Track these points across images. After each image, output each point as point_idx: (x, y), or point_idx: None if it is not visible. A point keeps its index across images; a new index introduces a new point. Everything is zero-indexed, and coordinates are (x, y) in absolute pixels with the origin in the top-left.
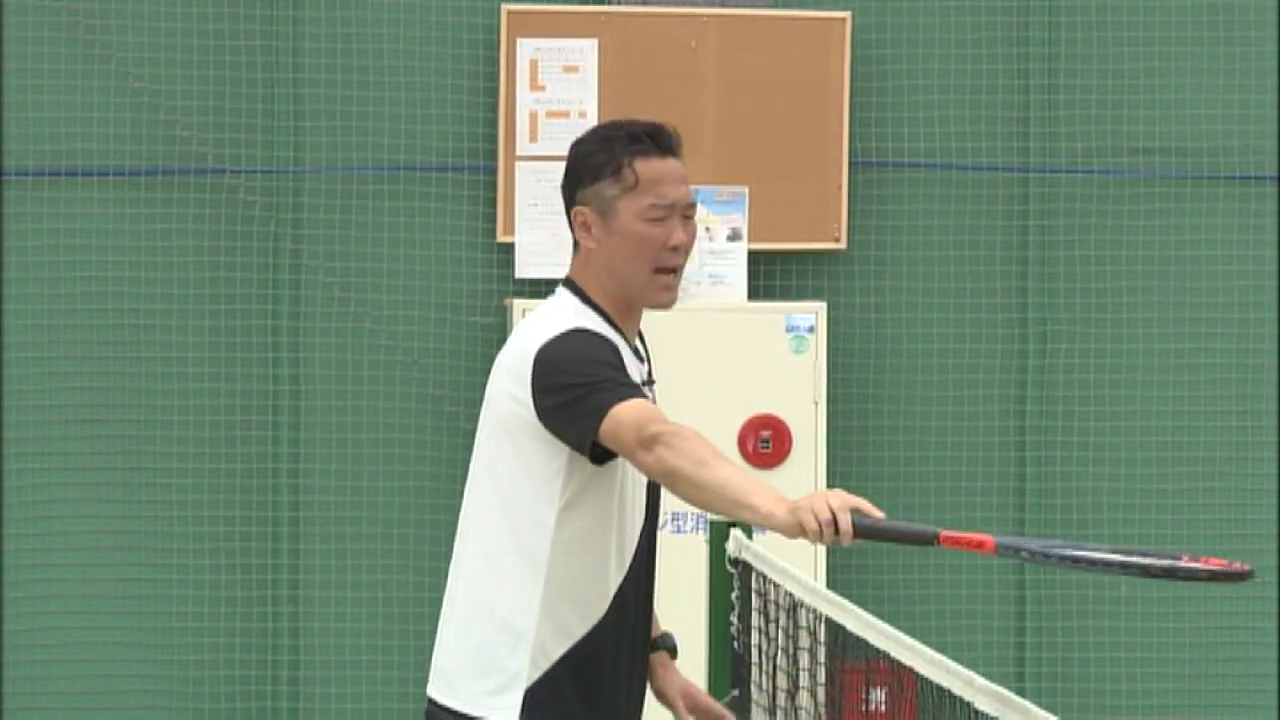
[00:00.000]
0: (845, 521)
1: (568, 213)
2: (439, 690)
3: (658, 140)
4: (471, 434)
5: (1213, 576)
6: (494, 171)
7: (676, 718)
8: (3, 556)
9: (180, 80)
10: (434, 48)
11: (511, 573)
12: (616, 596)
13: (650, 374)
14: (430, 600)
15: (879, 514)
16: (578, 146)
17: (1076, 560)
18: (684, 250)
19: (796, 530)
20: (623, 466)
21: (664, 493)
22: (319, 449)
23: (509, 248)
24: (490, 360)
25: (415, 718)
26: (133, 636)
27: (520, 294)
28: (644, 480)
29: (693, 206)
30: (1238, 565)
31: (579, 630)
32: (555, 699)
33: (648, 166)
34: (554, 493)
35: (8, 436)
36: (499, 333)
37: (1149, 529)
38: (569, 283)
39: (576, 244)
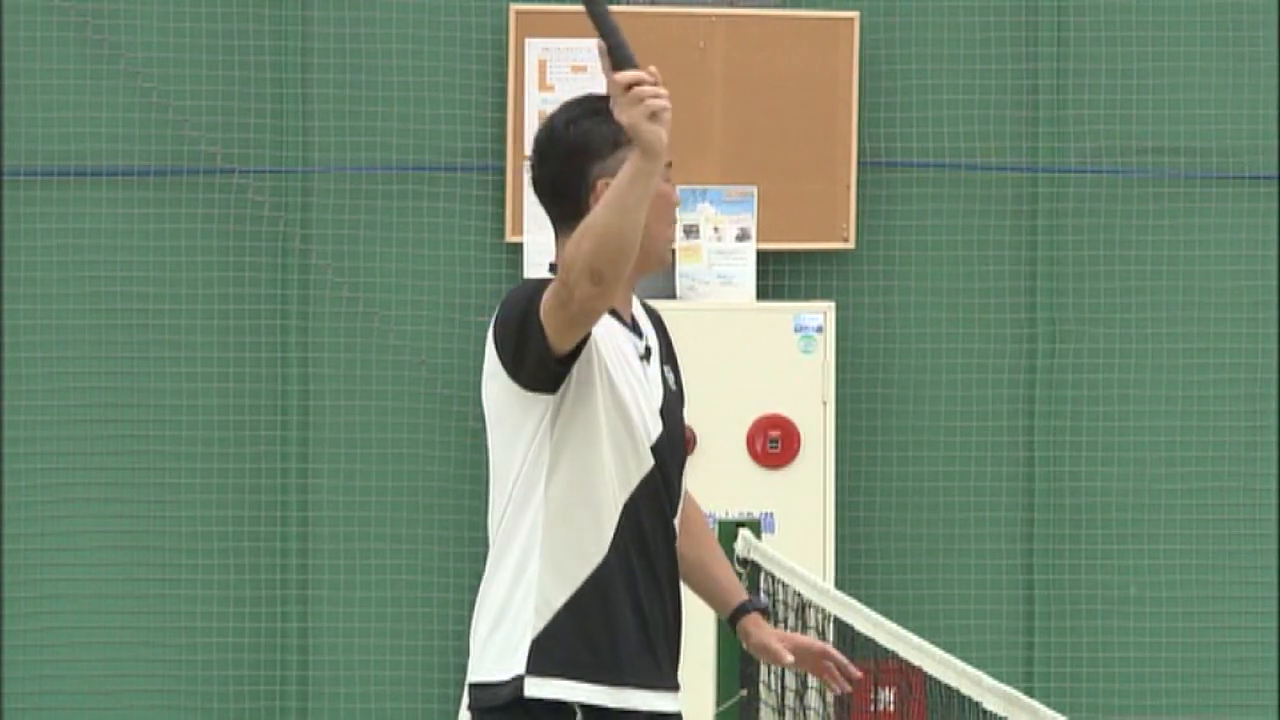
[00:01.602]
0: (612, 69)
1: (576, 192)
2: (470, 671)
3: None
4: (480, 433)
5: None
6: (503, 171)
7: (778, 660)
8: (11, 557)
9: (189, 80)
10: (442, 48)
11: (518, 548)
12: (616, 540)
13: (650, 348)
14: (439, 600)
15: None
16: (575, 125)
17: None
18: None
19: (656, 146)
20: (605, 414)
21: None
22: (327, 449)
23: (518, 248)
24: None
25: (424, 718)
26: (141, 637)
27: None
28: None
29: (669, 165)
30: None
31: (580, 575)
32: (559, 645)
33: None
34: (541, 457)
35: (16, 436)
36: None
37: (1158, 528)
38: (553, 267)
39: (561, 227)
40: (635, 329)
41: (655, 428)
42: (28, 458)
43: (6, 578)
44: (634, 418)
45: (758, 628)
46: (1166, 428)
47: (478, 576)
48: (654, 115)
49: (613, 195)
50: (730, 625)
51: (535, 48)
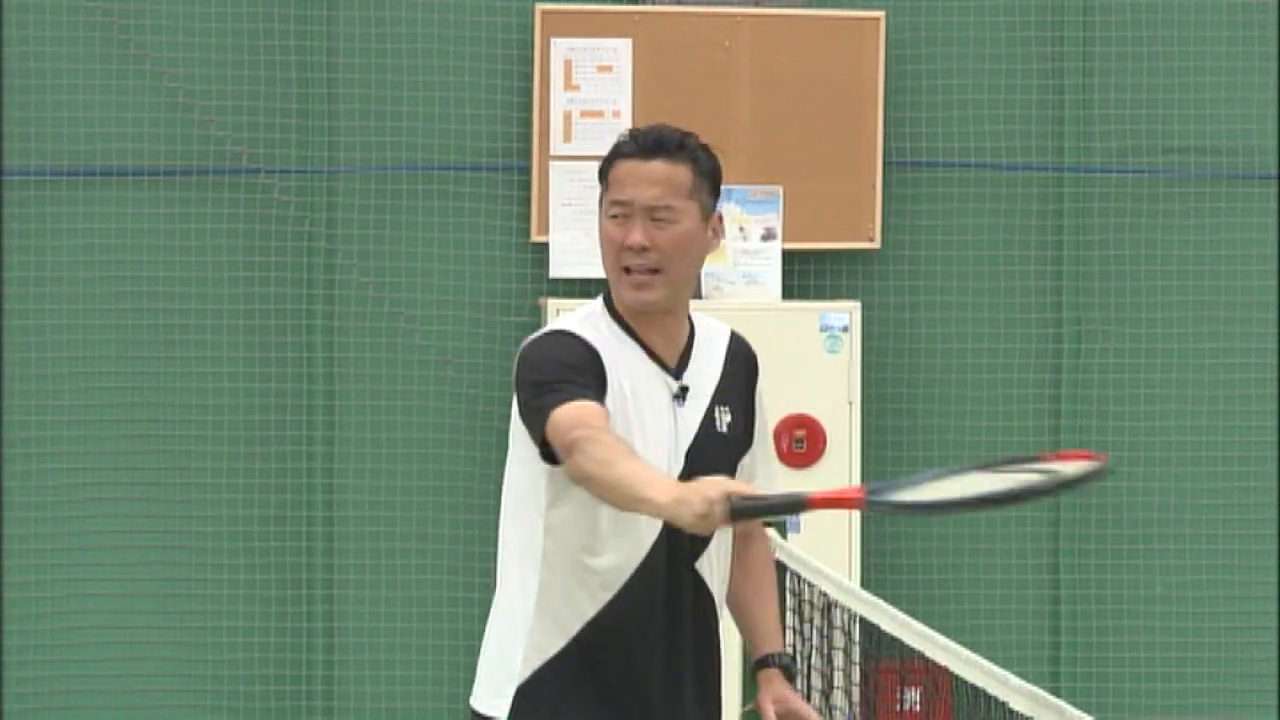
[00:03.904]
0: (720, 507)
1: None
2: (474, 688)
3: (639, 141)
4: (504, 434)
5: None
6: (528, 171)
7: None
8: (38, 556)
9: (215, 80)
10: (468, 47)
11: (517, 573)
12: (617, 599)
13: (686, 388)
14: (464, 600)
15: (755, 493)
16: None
17: (936, 507)
18: (646, 250)
19: (680, 517)
20: None
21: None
22: (353, 449)
23: (543, 247)
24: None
25: (449, 717)
26: (167, 636)
27: (554, 294)
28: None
29: (666, 209)
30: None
31: (571, 628)
32: (543, 698)
33: (620, 167)
34: (540, 490)
35: (43, 436)
36: (533, 332)
37: (1184, 528)
38: (605, 296)
39: None
40: (677, 368)
41: (674, 470)
42: (54, 457)
43: (33, 577)
44: None
45: (768, 684)
46: (1192, 427)
47: None
48: (689, 519)
49: (622, 484)
50: (752, 671)
51: (561, 47)
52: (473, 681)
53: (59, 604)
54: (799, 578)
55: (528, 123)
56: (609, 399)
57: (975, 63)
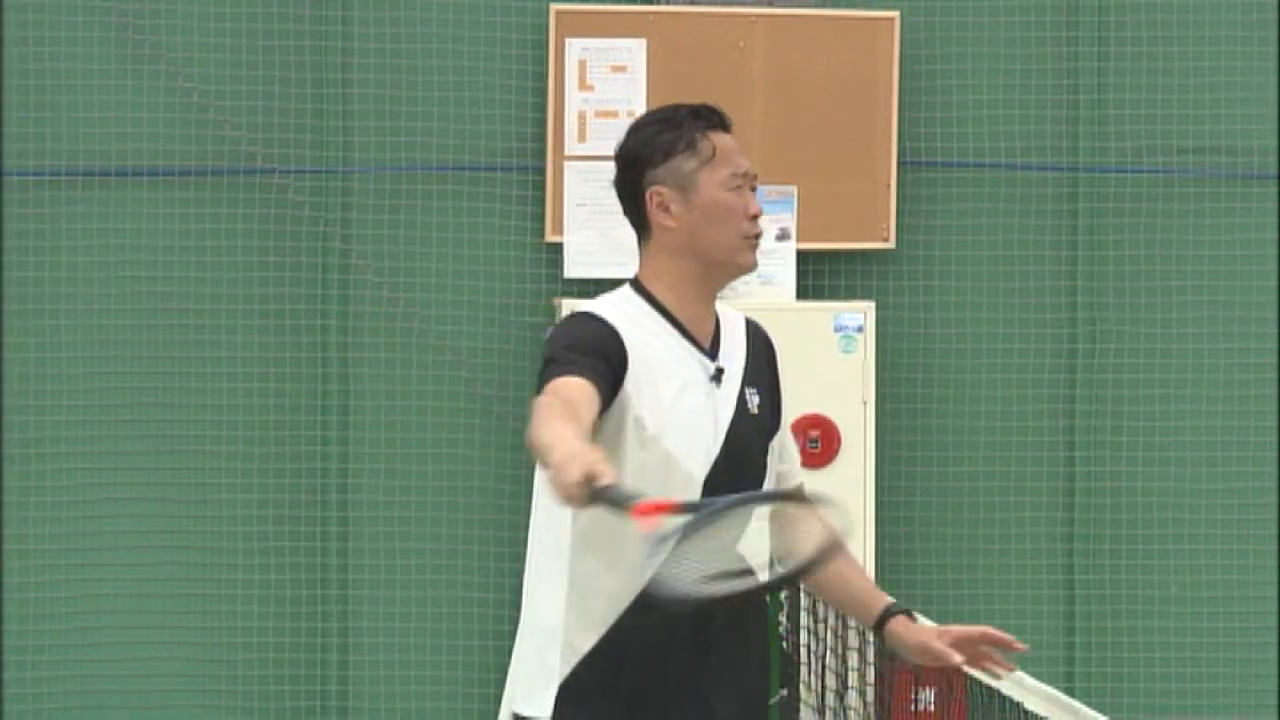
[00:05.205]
0: (581, 490)
1: (634, 201)
2: (511, 689)
3: (721, 115)
4: (519, 434)
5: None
6: (542, 171)
7: (947, 662)
8: (52, 556)
9: (229, 80)
10: (483, 47)
11: (547, 570)
12: (646, 594)
13: (722, 370)
14: (478, 600)
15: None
16: (637, 132)
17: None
18: (757, 219)
19: (555, 487)
20: (638, 454)
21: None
22: (368, 449)
23: (558, 248)
24: (538, 360)
25: (463, 718)
26: (181, 636)
27: (569, 294)
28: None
29: (755, 178)
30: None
31: (602, 625)
32: (583, 697)
33: (720, 139)
34: None
35: (58, 436)
36: (546, 332)
37: (1198, 528)
38: (633, 281)
39: (643, 235)
40: (711, 349)
41: (713, 453)
42: (68, 457)
43: (47, 577)
44: (679, 455)
45: (908, 628)
46: (1207, 427)
47: (518, 576)
48: (565, 487)
49: (537, 445)
50: (877, 633)
51: (575, 47)
52: (487, 683)
53: (73, 604)
54: None
55: (542, 123)
56: (630, 379)
57: (990, 63)
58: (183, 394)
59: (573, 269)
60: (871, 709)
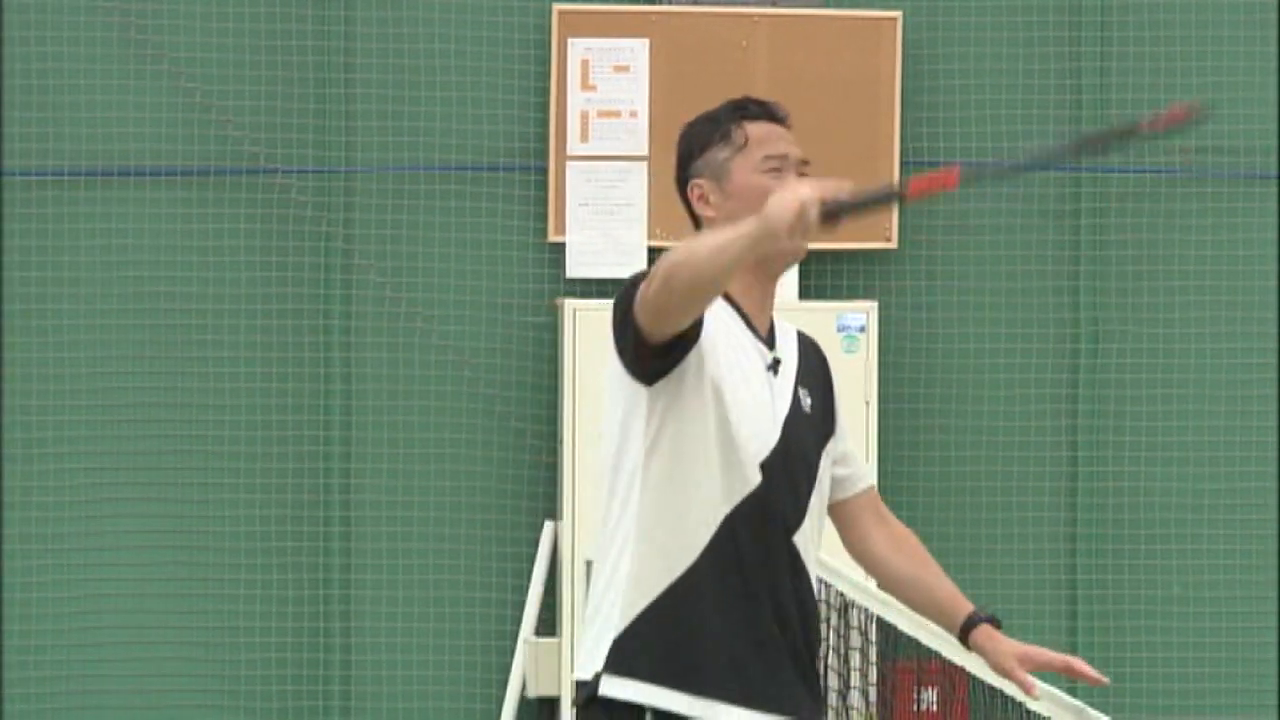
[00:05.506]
0: (814, 208)
1: (683, 197)
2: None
3: (764, 106)
4: (522, 434)
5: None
6: (545, 171)
7: (1026, 692)
8: (55, 557)
9: (232, 80)
10: (485, 48)
11: (616, 546)
12: (707, 552)
13: (779, 360)
14: (481, 601)
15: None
16: (684, 130)
17: (1028, 164)
18: None
19: (772, 225)
20: (706, 427)
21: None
22: (370, 449)
23: (560, 247)
24: (541, 360)
25: (465, 718)
26: (183, 636)
27: (571, 294)
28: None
29: (807, 164)
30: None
31: (663, 582)
32: (638, 648)
33: (756, 127)
34: (640, 456)
35: (60, 436)
36: (550, 333)
37: (1201, 528)
38: None
39: (697, 230)
40: (769, 340)
41: (771, 439)
42: (71, 457)
43: (50, 577)
44: (741, 433)
45: (991, 641)
46: (1210, 428)
47: (521, 576)
48: (782, 227)
49: (719, 234)
50: (962, 641)
51: (578, 47)
52: (489, 683)
53: (75, 603)
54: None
55: (545, 123)
56: (707, 341)
57: (992, 63)
58: (185, 394)
59: (575, 269)
60: (874, 709)
